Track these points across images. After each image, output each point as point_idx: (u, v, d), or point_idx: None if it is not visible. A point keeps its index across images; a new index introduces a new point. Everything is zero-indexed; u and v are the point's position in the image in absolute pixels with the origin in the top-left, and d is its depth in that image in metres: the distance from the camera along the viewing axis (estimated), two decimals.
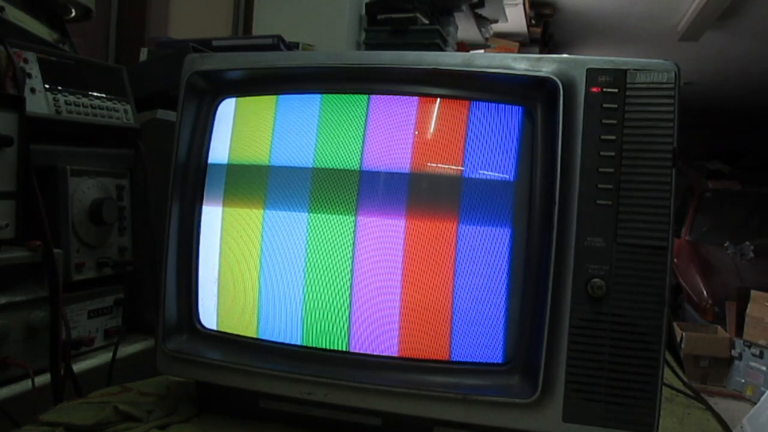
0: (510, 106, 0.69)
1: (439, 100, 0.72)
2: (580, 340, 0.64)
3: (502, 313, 0.69)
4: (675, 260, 4.73)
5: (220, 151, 0.78)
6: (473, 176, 0.70)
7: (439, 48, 2.22)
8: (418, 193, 0.71)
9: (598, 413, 0.63)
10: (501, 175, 0.69)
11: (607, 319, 0.64)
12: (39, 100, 0.95)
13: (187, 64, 0.77)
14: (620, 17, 4.85)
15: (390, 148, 0.72)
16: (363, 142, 0.72)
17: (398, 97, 0.72)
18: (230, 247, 0.77)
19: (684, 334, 4.19)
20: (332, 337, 0.73)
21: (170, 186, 0.77)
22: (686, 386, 1.00)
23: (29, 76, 0.94)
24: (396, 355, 0.71)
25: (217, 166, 0.78)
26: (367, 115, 0.73)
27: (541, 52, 4.14)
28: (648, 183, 0.63)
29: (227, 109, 0.78)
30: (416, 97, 0.72)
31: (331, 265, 0.73)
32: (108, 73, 1.12)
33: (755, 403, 2.70)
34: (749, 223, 5.42)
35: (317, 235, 0.73)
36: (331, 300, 0.73)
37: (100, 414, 0.74)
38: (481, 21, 3.23)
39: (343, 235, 0.72)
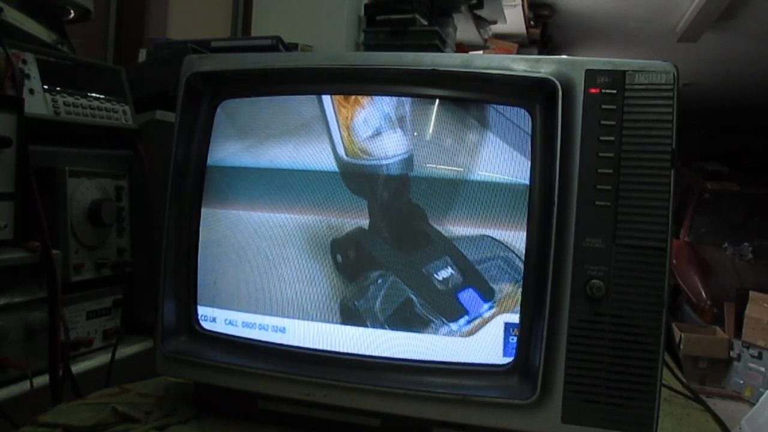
0: (509, 107, 0.69)
1: (437, 101, 0.72)
2: (579, 341, 0.64)
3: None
4: (674, 261, 4.73)
5: (219, 152, 0.78)
6: (472, 178, 0.69)
7: (438, 49, 2.22)
8: (416, 194, 0.71)
9: (596, 414, 0.63)
10: (500, 176, 0.69)
11: (606, 320, 0.64)
12: (38, 101, 0.95)
13: (186, 65, 0.77)
14: (619, 18, 4.85)
15: (388, 149, 0.72)
16: (362, 143, 0.72)
17: (397, 98, 0.72)
18: (229, 249, 0.77)
19: (683, 335, 4.19)
20: (332, 338, 0.73)
21: (169, 187, 0.77)
22: (685, 387, 1.00)
23: (28, 77, 0.94)
24: (395, 355, 0.71)
25: (217, 168, 0.78)
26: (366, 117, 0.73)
27: (539, 54, 4.14)
28: (647, 184, 0.63)
29: (226, 110, 0.78)
30: (415, 98, 0.72)
31: (330, 266, 0.72)
32: (107, 74, 1.12)
33: (754, 404, 2.70)
34: (748, 224, 5.42)
35: (316, 237, 0.73)
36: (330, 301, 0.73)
37: (98, 415, 0.74)
38: (480, 22, 3.24)
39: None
